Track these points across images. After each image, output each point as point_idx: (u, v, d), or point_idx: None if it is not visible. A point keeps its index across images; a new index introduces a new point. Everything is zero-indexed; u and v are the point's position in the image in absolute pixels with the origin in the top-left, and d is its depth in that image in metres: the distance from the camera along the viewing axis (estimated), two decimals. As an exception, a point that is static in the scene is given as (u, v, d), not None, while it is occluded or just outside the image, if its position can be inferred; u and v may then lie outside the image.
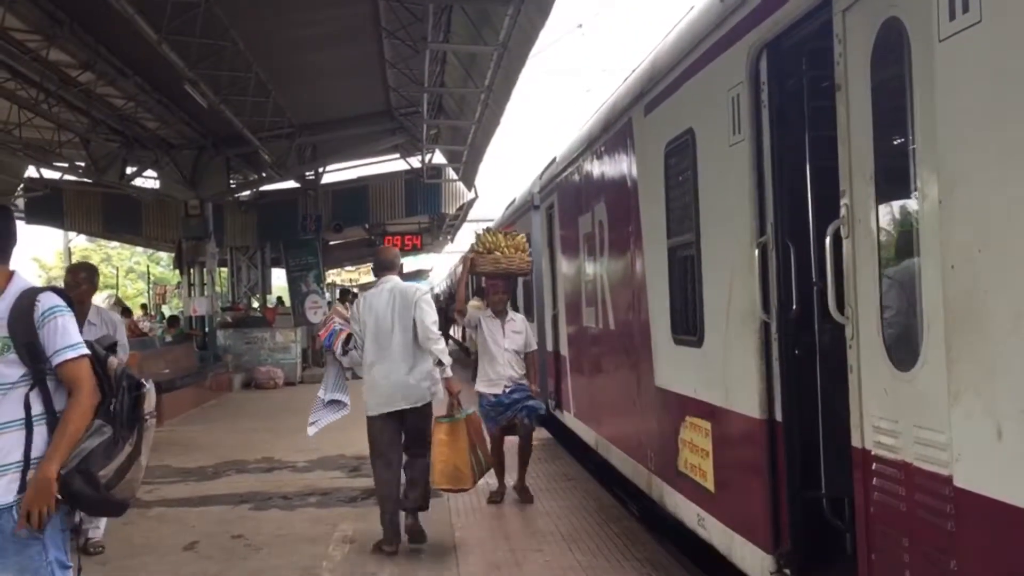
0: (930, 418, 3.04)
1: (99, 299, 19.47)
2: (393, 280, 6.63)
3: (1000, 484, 2.67)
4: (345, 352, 6.76)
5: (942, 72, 2.89)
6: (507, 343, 7.88)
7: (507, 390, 7.76)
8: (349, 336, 6.74)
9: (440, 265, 49.17)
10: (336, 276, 45.38)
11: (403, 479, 6.46)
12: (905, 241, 3.25)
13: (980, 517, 2.78)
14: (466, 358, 18.40)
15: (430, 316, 6.34)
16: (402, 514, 6.42)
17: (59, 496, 3.18)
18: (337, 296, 22.40)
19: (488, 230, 8.70)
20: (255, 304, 22.97)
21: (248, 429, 12.91)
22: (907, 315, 3.24)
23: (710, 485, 5.26)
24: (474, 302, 16.03)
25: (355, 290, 37.18)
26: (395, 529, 6.36)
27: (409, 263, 45.88)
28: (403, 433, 6.44)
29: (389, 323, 6.38)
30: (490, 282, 8.34)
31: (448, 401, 6.52)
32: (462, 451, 6.43)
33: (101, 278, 7.45)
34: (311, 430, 6.95)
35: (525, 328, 8.13)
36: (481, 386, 7.88)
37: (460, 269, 8.25)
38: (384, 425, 6.36)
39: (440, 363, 6.34)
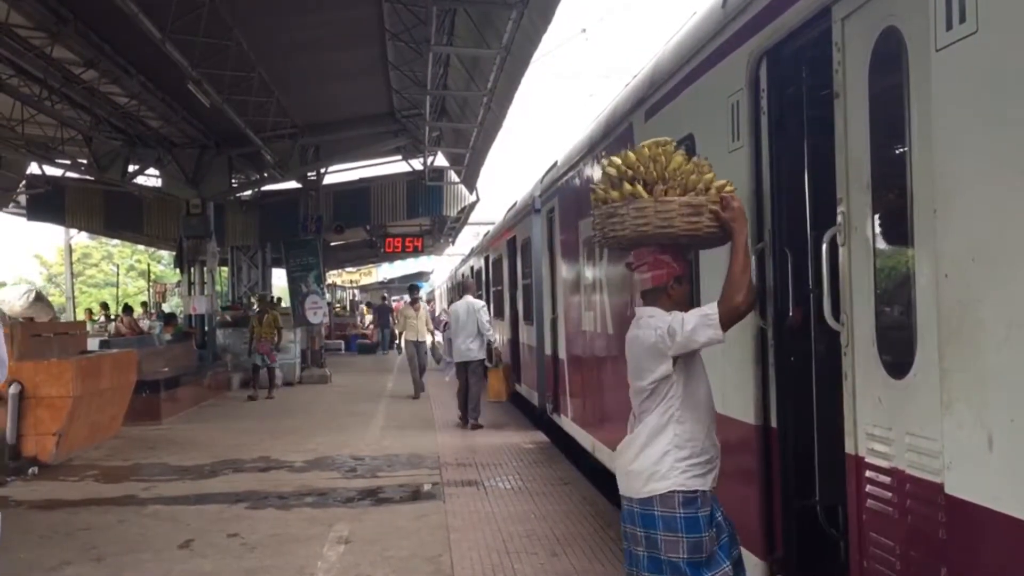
0: (923, 426, 3.04)
1: (15, 293, 18.87)
2: (468, 297, 13.20)
3: (990, 492, 2.68)
4: (444, 331, 15.43)
5: (939, 81, 2.91)
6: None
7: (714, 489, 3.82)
8: (447, 324, 14.57)
9: (441, 267, 49.19)
10: (337, 277, 45.49)
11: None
12: (900, 249, 3.27)
13: (970, 525, 2.79)
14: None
15: (485, 317, 12.91)
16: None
17: None
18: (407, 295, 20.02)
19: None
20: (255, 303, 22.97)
21: (246, 429, 12.92)
22: (901, 323, 3.25)
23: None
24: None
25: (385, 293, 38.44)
26: (465, 412, 12.80)
27: (409, 265, 46.01)
28: (467, 372, 12.82)
29: (463, 320, 12.80)
30: (684, 261, 3.91)
31: (495, 358, 13.82)
32: (502, 382, 13.94)
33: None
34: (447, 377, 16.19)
35: None
36: (688, 478, 3.66)
37: (684, 224, 3.68)
38: (460, 368, 12.96)
39: (492, 341, 13.22)
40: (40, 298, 18.25)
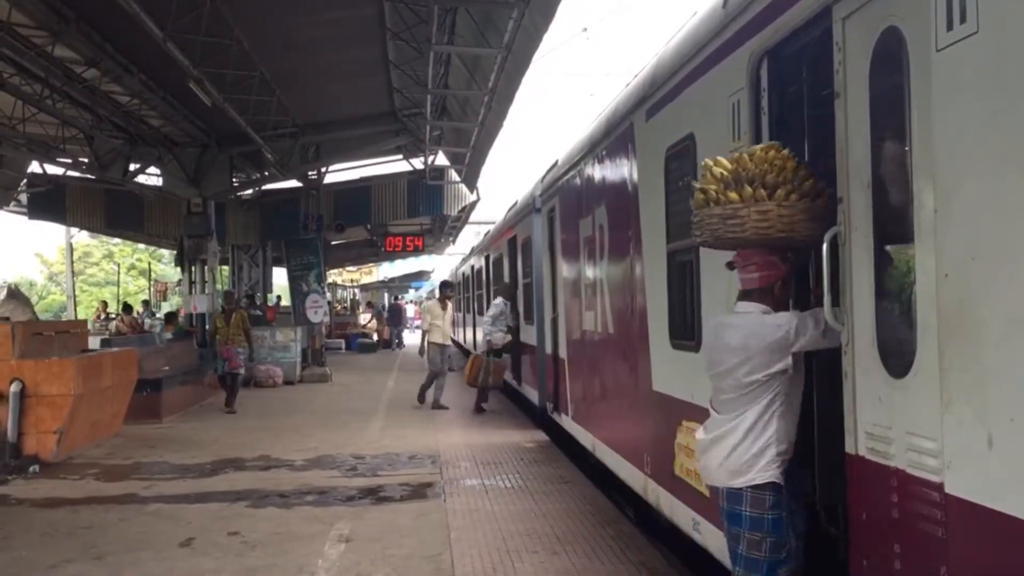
0: (923, 425, 3.05)
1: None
2: (498, 299, 14.79)
3: (990, 492, 2.68)
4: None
5: (939, 82, 2.91)
6: None
7: None
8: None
9: (441, 266, 49.21)
10: (337, 276, 45.48)
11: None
12: (901, 249, 3.27)
13: (970, 524, 2.79)
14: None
15: (488, 313, 14.81)
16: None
17: None
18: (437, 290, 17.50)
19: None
20: (257, 301, 22.98)
21: (246, 427, 12.93)
22: (902, 322, 3.25)
23: (705, 490, 5.26)
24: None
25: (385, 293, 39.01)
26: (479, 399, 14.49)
27: (410, 264, 46.04)
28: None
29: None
30: (788, 263, 3.98)
31: (486, 348, 14.40)
32: (476, 368, 14.22)
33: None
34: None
35: None
36: (781, 473, 3.80)
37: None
38: (480, 356, 14.55)
39: (485, 333, 14.60)
40: (14, 295, 16.53)
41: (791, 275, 3.94)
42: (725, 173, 3.88)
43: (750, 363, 3.75)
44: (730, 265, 4.07)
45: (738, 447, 3.77)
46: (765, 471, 3.74)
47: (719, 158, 4.01)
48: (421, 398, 15.16)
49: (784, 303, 3.93)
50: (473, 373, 14.29)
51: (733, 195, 3.81)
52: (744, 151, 3.99)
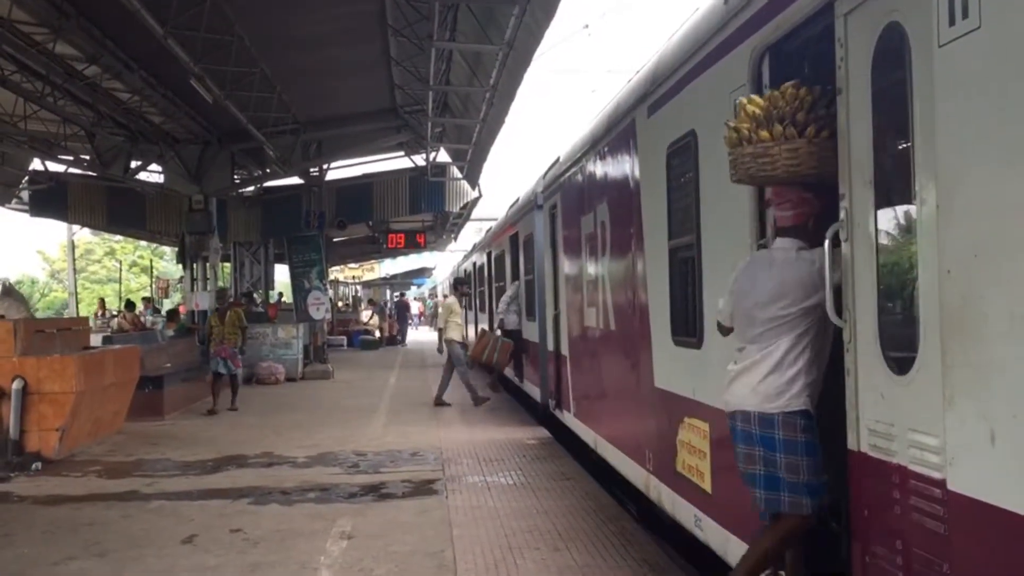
0: (925, 422, 3.05)
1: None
2: (516, 283, 14.95)
3: (992, 488, 2.68)
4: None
5: (942, 77, 2.90)
6: None
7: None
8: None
9: (443, 263, 49.26)
10: (339, 273, 45.51)
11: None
12: (903, 245, 3.27)
13: (973, 521, 2.79)
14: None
15: (507, 293, 15.26)
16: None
17: None
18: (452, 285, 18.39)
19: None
20: (257, 299, 22.99)
21: (248, 424, 12.93)
22: (904, 319, 3.25)
23: (707, 486, 5.27)
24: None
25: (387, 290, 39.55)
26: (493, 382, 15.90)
27: (412, 261, 46.05)
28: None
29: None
30: (819, 200, 4.05)
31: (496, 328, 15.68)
32: (485, 343, 14.98)
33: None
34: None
35: None
36: (811, 402, 3.94)
37: None
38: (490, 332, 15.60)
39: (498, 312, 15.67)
40: (10, 292, 15.30)
41: (822, 212, 3.96)
42: (758, 111, 3.95)
43: (786, 298, 3.86)
44: (766, 203, 4.16)
45: (771, 374, 3.89)
46: (796, 399, 3.86)
47: (753, 96, 4.10)
48: (477, 399, 14.35)
49: (814, 239, 3.94)
50: (480, 347, 15.06)
51: (764, 134, 3.89)
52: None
